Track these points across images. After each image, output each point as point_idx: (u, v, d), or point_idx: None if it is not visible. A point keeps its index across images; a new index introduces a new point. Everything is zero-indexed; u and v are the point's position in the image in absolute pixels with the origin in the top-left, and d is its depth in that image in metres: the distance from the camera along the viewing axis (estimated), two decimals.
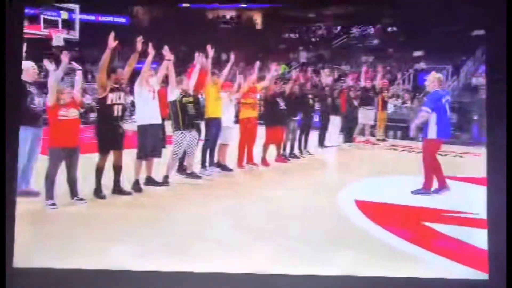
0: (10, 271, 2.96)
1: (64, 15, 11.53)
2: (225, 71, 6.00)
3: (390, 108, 9.81)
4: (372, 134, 9.02)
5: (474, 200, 4.11)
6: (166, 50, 5.19)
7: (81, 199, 4.43)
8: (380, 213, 4.54)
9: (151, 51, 4.98)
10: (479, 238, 3.35)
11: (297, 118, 7.06)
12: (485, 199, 3.13)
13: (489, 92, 3.21)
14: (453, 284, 3.13)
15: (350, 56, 14.00)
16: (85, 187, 4.55)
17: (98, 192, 4.63)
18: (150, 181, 5.16)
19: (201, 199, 4.88)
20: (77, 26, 11.66)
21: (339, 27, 14.09)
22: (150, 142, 5.04)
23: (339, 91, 8.22)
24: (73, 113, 4.33)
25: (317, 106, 8.02)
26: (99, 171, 4.64)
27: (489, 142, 3.15)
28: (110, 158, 4.69)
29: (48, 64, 4.34)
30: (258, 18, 16.52)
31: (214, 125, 5.79)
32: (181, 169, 5.66)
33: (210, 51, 5.84)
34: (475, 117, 8.11)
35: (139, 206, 4.57)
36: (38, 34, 11.01)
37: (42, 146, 4.56)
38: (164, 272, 3.06)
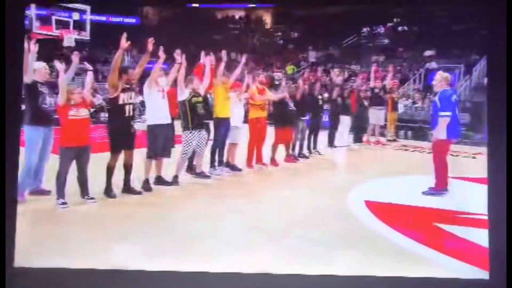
0: (11, 271, 2.96)
1: (76, 16, 11.64)
2: (236, 72, 6.00)
3: (401, 108, 9.73)
4: (382, 135, 8.95)
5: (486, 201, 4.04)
6: (178, 54, 5.20)
7: (92, 198, 4.46)
8: (390, 213, 4.50)
9: (162, 55, 4.97)
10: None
11: (306, 117, 7.04)
12: (486, 199, 3.11)
13: (490, 92, 3.19)
14: (465, 284, 3.10)
15: (360, 55, 13.91)
16: (95, 186, 4.58)
17: (108, 191, 4.66)
18: (160, 180, 5.18)
19: (210, 199, 4.89)
20: (88, 27, 11.77)
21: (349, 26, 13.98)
22: (160, 142, 5.06)
23: (349, 91, 8.17)
24: (84, 112, 4.36)
25: (326, 106, 8.00)
26: (110, 170, 4.67)
27: (489, 142, 3.13)
28: (121, 157, 4.72)
29: (58, 64, 4.38)
30: (267, 18, 16.51)
31: (223, 125, 5.79)
32: (191, 169, 5.68)
33: (224, 56, 5.91)
34: None
35: (149, 205, 4.58)
36: (50, 35, 11.15)
37: (53, 146, 4.60)
38: (172, 271, 3.06)
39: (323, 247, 3.58)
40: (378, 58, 13.01)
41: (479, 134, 7.89)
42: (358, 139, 8.45)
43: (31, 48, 4.25)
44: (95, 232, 3.76)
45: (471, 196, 4.66)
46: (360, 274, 3.09)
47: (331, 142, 7.90)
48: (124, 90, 4.64)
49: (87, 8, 11.76)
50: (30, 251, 3.23)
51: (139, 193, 4.84)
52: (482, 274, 3.08)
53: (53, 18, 11.15)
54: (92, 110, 4.64)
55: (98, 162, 4.68)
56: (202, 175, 5.58)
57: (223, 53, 5.87)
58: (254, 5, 14.96)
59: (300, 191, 5.19)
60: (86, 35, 11.75)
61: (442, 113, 4.86)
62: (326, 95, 7.68)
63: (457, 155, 5.76)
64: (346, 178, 6.38)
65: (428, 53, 12.45)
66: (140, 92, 5.18)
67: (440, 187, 4.97)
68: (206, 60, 5.69)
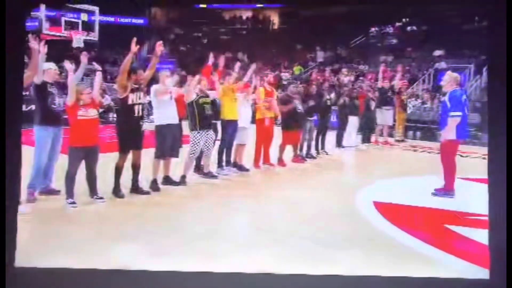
0: (12, 271, 2.97)
1: (84, 17, 11.74)
2: (247, 76, 6.00)
3: (409, 108, 9.66)
4: (391, 135, 8.90)
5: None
6: (189, 80, 5.32)
7: (101, 198, 4.48)
8: (399, 214, 4.47)
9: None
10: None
11: (314, 118, 7.01)
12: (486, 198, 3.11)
13: (490, 92, 3.19)
14: (470, 284, 3.09)
15: (369, 55, 13.84)
16: (104, 186, 4.60)
17: (117, 191, 4.68)
18: (167, 180, 5.20)
19: (218, 199, 4.88)
20: (97, 28, 11.85)
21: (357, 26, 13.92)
22: (168, 142, 5.07)
23: (357, 92, 8.13)
24: (92, 113, 4.38)
25: (334, 106, 7.97)
26: (119, 170, 4.69)
27: (490, 142, 3.12)
28: (129, 157, 4.74)
29: (68, 64, 4.40)
30: (275, 18, 16.49)
31: (230, 126, 5.79)
32: (198, 169, 5.69)
33: (237, 67, 6.07)
34: None
35: (157, 205, 4.60)
36: (59, 36, 11.25)
37: (62, 145, 4.63)
38: (179, 271, 3.06)
39: (331, 247, 3.55)
40: (387, 58, 12.94)
41: None
42: (366, 140, 8.41)
43: (41, 49, 4.28)
44: (103, 231, 3.78)
45: (481, 197, 4.60)
46: (368, 275, 3.08)
47: (339, 143, 7.87)
48: (133, 90, 4.66)
49: (96, 9, 11.85)
50: (41, 250, 3.27)
51: (147, 193, 4.86)
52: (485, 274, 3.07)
53: (63, 19, 11.25)
54: (100, 110, 4.66)
55: (106, 162, 4.71)
56: (209, 175, 5.59)
57: (222, 57, 5.91)
58: (261, 5, 14.95)
59: (308, 192, 5.17)
60: (94, 36, 11.85)
61: (452, 113, 4.82)
62: (333, 95, 7.65)
63: (467, 156, 5.69)
64: (354, 178, 6.34)
65: (437, 53, 12.35)
66: (148, 92, 5.20)
67: (449, 188, 4.92)
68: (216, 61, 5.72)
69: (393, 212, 4.50)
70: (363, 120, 8.17)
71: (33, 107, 4.64)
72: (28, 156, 4.29)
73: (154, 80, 5.10)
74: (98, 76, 4.66)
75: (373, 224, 4.19)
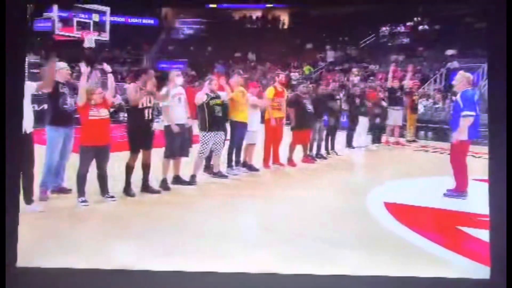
0: (13, 271, 2.98)
1: (96, 17, 11.83)
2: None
3: (420, 108, 9.56)
4: (402, 135, 8.82)
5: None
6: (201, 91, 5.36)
7: (112, 197, 4.52)
8: (410, 215, 4.42)
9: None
10: None
11: (324, 118, 6.98)
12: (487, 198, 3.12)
13: (490, 92, 3.18)
14: (476, 284, 3.07)
15: (379, 55, 13.72)
16: (115, 185, 4.63)
17: (128, 190, 4.71)
18: (178, 180, 5.21)
19: (228, 199, 4.89)
20: (108, 28, 11.94)
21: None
22: (178, 142, 5.09)
23: (367, 91, 8.07)
24: (104, 113, 4.41)
25: (344, 106, 7.92)
26: (129, 169, 4.72)
27: (490, 142, 3.16)
28: (139, 157, 4.77)
29: (84, 67, 4.46)
30: (284, 18, 16.45)
31: (239, 128, 5.79)
32: (208, 169, 5.69)
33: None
34: None
35: (167, 204, 4.62)
36: (71, 36, 11.36)
37: (74, 145, 4.68)
38: (186, 272, 3.05)
39: (341, 248, 3.54)
40: (398, 58, 12.83)
41: None
42: (376, 140, 8.34)
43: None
44: (113, 230, 3.81)
45: None
46: (379, 275, 3.06)
47: (349, 143, 7.82)
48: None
49: (107, 9, 11.95)
50: (51, 250, 3.30)
51: (157, 192, 4.88)
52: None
53: (74, 19, 11.36)
54: (111, 110, 4.69)
55: (117, 161, 4.74)
56: (219, 174, 5.60)
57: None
58: (271, 5, 14.92)
59: (318, 192, 5.15)
60: (105, 36, 11.94)
61: (465, 113, 4.75)
62: (342, 94, 7.61)
63: (479, 157, 5.61)
64: (364, 179, 6.29)
65: (449, 52, 12.20)
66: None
67: (462, 189, 4.86)
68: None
69: (404, 213, 4.46)
70: (373, 120, 8.11)
71: (45, 106, 4.70)
72: (41, 155, 4.35)
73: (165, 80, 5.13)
74: (111, 78, 4.69)
75: (384, 225, 4.16)
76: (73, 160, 4.56)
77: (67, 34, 11.31)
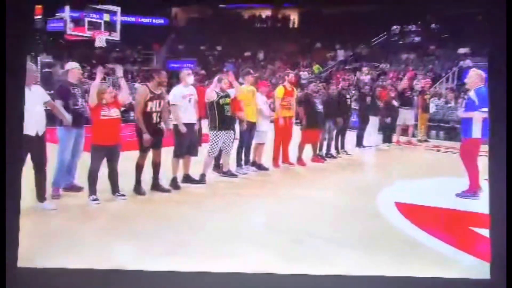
0: (14, 271, 2.98)
1: (106, 17, 11.94)
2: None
3: (432, 107, 9.45)
4: (413, 135, 8.73)
5: None
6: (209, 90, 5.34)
7: (122, 195, 4.55)
8: (421, 216, 4.37)
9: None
10: None
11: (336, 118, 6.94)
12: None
13: (490, 92, 3.17)
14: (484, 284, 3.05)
15: (390, 54, 13.59)
16: (125, 184, 4.66)
17: (138, 189, 4.74)
18: (187, 179, 5.23)
19: (237, 198, 4.89)
20: (118, 28, 12.03)
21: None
22: (187, 141, 5.10)
23: (378, 91, 8.01)
24: (115, 113, 4.45)
25: (355, 105, 7.87)
26: (139, 168, 4.75)
27: (491, 141, 3.14)
28: (149, 155, 4.79)
29: (101, 71, 4.50)
30: (294, 17, 16.40)
31: (249, 127, 5.79)
32: (218, 168, 5.70)
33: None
34: None
35: (177, 203, 4.63)
36: (83, 36, 11.48)
37: (85, 143, 4.72)
38: (191, 272, 3.05)
39: (350, 248, 3.51)
40: (409, 57, 12.70)
41: None
42: (387, 139, 8.27)
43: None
44: (122, 228, 3.84)
45: None
46: (391, 275, 3.04)
47: (359, 142, 7.77)
48: (152, 99, 4.70)
49: (118, 9, 12.06)
50: (60, 248, 3.33)
51: (168, 191, 4.90)
52: None
53: (86, 19, 11.48)
54: (122, 109, 4.73)
55: (127, 160, 4.77)
56: (229, 173, 5.60)
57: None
58: (280, 5, 14.89)
59: (328, 192, 5.12)
60: (116, 36, 12.04)
61: (481, 110, 4.68)
62: (353, 93, 7.56)
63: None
64: (375, 178, 6.24)
65: (462, 50, 12.04)
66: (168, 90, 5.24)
67: (473, 189, 4.79)
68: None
69: (416, 213, 4.41)
70: (384, 119, 8.04)
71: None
72: (53, 154, 4.40)
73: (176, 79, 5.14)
74: (122, 80, 4.72)
75: (394, 224, 4.12)
76: (85, 159, 4.61)
77: (79, 34, 11.43)
